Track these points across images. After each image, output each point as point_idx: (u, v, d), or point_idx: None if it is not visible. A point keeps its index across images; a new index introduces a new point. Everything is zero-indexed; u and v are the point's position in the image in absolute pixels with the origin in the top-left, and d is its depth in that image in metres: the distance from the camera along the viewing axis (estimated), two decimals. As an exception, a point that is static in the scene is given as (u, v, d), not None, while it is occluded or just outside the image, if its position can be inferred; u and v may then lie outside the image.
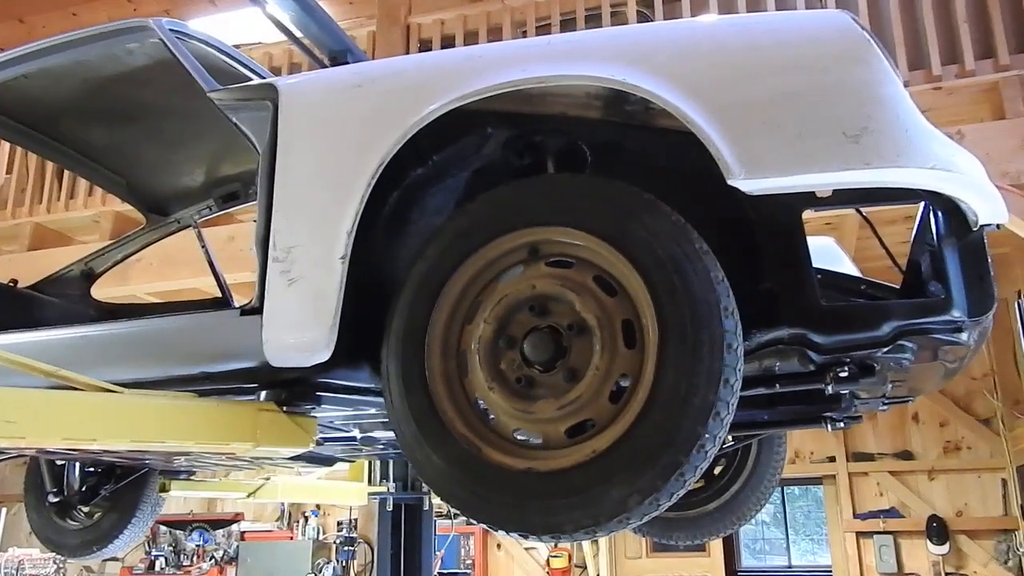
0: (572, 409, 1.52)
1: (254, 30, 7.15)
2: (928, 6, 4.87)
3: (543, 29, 5.79)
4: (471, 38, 5.94)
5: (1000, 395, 7.35)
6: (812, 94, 1.54)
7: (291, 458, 2.99)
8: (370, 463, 4.68)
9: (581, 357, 1.55)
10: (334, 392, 1.97)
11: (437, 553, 6.21)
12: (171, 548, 9.13)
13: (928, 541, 7.28)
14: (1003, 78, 4.70)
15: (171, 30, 2.29)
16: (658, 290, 1.47)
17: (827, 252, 2.60)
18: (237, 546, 8.71)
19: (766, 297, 1.60)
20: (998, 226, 1.64)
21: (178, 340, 2.01)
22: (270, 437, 1.88)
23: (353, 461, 3.98)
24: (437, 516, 5.28)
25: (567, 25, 5.66)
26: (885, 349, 1.61)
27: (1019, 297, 6.10)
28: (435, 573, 5.78)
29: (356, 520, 7.75)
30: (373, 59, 3.45)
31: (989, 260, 1.62)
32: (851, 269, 2.64)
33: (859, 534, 7.62)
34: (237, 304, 2.36)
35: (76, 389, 1.73)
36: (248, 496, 4.10)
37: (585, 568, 8.31)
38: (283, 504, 8.95)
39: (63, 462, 3.59)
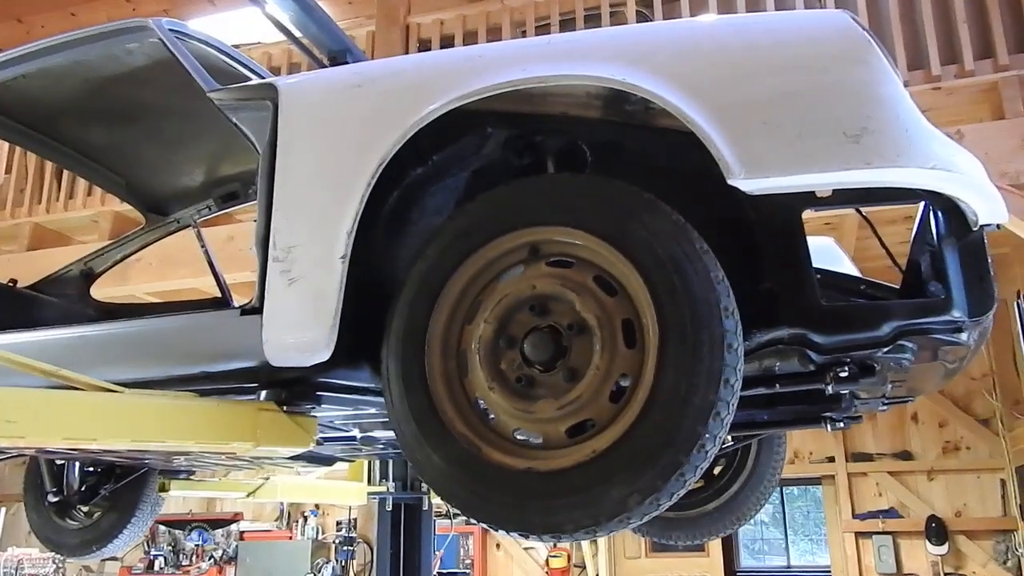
0: (572, 409, 1.52)
1: (253, 30, 7.15)
2: (927, 6, 4.87)
3: (542, 29, 5.79)
4: (470, 38, 5.94)
5: (999, 395, 7.36)
6: (812, 94, 1.54)
7: (291, 458, 2.99)
8: (369, 463, 4.68)
9: (581, 357, 1.55)
10: (334, 392, 1.97)
11: (436, 553, 6.20)
12: (170, 548, 9.13)
13: (927, 541, 7.28)
14: (1002, 78, 4.70)
15: (171, 30, 2.29)
16: (658, 290, 1.47)
17: (827, 252, 2.60)
18: (236, 546, 8.71)
19: (766, 297, 1.60)
20: (998, 226, 1.64)
21: (178, 340, 2.01)
22: (270, 437, 1.88)
23: (353, 461, 3.98)
24: (436, 516, 5.28)
25: (566, 25, 5.66)
26: (885, 349, 1.61)
27: (1018, 297, 6.10)
28: (434, 573, 5.78)
29: (355, 520, 7.75)
30: (372, 59, 3.45)
31: (989, 260, 1.62)
32: (851, 269, 2.64)
33: (858, 534, 7.62)
34: (237, 304, 2.36)
35: (76, 389, 1.73)
36: (247, 496, 4.10)
37: (584, 568, 8.31)
38: (282, 504, 8.95)
39: (63, 462, 3.59)
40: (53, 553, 4.33)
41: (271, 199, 1.82)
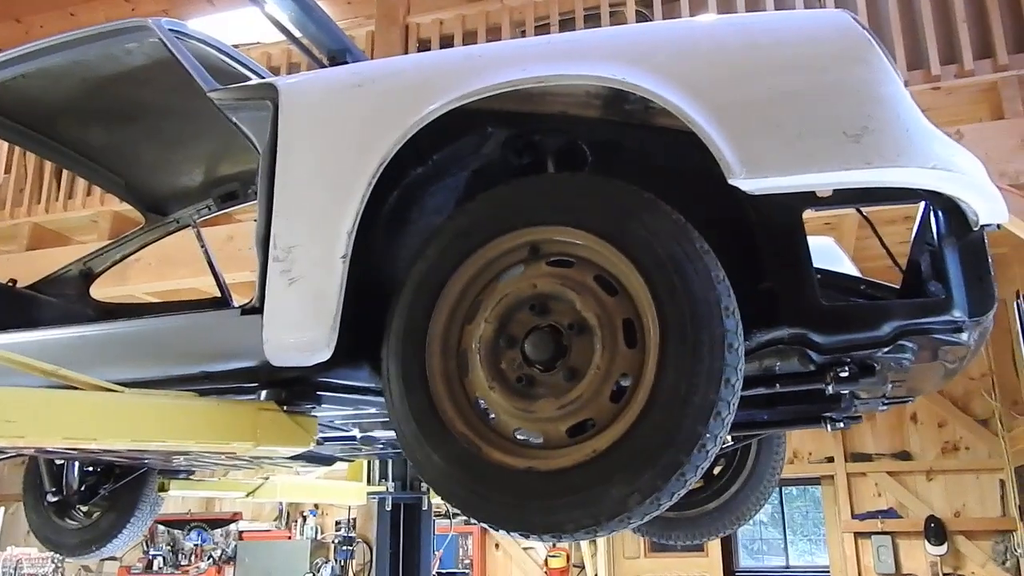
0: (573, 408, 1.52)
1: (253, 30, 7.15)
2: (927, 6, 4.87)
3: (542, 29, 5.79)
4: (470, 38, 5.94)
5: (998, 395, 7.36)
6: (812, 93, 1.54)
7: (291, 457, 2.99)
8: (369, 462, 4.68)
9: (582, 356, 1.55)
10: (334, 392, 1.97)
11: (435, 553, 6.20)
12: (169, 547, 9.13)
13: (926, 541, 7.29)
14: (1002, 78, 4.71)
15: (170, 30, 2.29)
16: (658, 289, 1.47)
17: (827, 252, 2.60)
18: (235, 545, 8.71)
19: (766, 297, 1.60)
20: (998, 226, 1.64)
21: (178, 340, 2.01)
22: (270, 436, 1.88)
23: (352, 460, 3.98)
24: (436, 516, 5.27)
25: (566, 25, 5.66)
26: (885, 349, 1.61)
27: (1018, 297, 6.10)
28: (433, 573, 5.77)
29: (354, 520, 7.76)
30: (372, 59, 3.45)
31: (989, 260, 1.62)
32: (851, 269, 2.64)
33: (857, 534, 7.62)
34: (236, 304, 2.36)
35: (76, 389, 1.73)
36: (247, 496, 4.10)
37: (583, 568, 8.31)
38: (281, 503, 8.95)
39: (62, 462, 3.59)
40: (52, 553, 4.33)
41: (271, 199, 1.82)
